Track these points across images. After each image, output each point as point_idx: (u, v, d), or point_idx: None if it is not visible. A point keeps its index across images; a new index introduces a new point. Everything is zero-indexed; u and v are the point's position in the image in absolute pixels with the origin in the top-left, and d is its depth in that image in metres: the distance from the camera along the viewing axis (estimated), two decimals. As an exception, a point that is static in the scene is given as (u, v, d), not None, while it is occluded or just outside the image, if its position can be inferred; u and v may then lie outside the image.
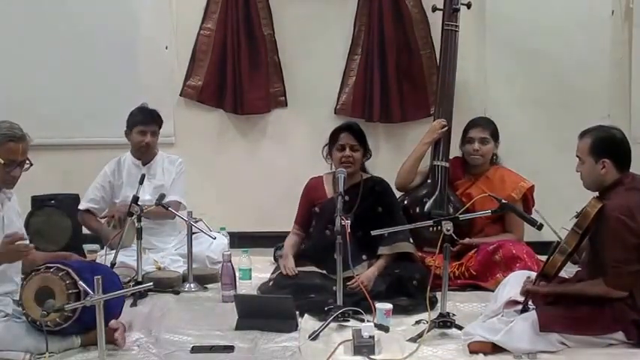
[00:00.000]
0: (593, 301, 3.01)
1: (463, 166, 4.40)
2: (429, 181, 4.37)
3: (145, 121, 4.31)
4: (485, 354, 3.00)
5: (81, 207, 4.41)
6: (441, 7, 4.56)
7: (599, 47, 4.83)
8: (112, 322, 3.11)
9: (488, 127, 4.30)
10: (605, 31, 4.83)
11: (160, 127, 4.39)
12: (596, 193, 3.12)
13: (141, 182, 4.05)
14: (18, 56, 5.05)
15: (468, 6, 4.52)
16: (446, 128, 4.38)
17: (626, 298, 2.99)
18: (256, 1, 4.94)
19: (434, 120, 4.49)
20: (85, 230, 4.76)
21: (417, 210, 4.27)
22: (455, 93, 4.54)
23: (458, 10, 4.46)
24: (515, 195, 4.14)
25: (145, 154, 4.38)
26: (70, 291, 2.93)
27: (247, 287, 3.97)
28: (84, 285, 2.82)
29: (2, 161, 3.04)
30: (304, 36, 5.04)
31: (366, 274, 3.70)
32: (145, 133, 4.30)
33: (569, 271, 3.42)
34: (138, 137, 4.31)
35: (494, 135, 4.30)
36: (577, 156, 3.15)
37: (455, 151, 4.44)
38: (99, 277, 2.71)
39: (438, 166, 4.36)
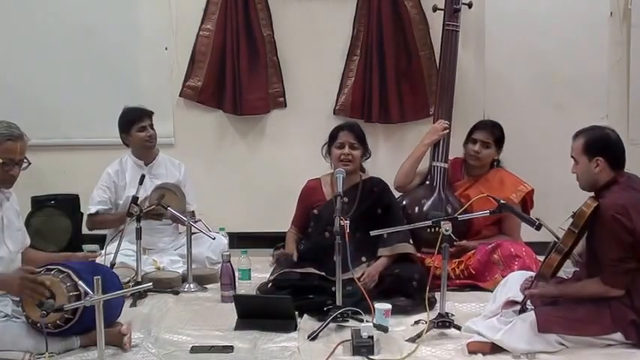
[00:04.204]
0: (592, 302, 3.02)
1: (462, 167, 4.41)
2: (427, 182, 4.38)
3: (140, 117, 4.30)
4: (484, 354, 3.01)
5: (91, 211, 4.30)
6: (442, 7, 4.57)
7: (598, 48, 4.83)
8: (124, 328, 3.13)
9: (494, 132, 4.27)
10: (603, 32, 4.83)
11: (152, 119, 4.37)
12: (593, 193, 3.13)
13: (140, 182, 4.05)
14: (18, 56, 5.07)
15: (469, 6, 4.53)
16: (447, 130, 4.39)
17: (624, 299, 2.99)
18: (255, 2, 4.95)
19: (433, 121, 4.50)
20: (84, 230, 4.77)
21: (416, 210, 4.27)
22: (454, 94, 4.55)
23: (459, 10, 4.47)
24: (514, 198, 4.13)
25: (150, 150, 4.38)
26: (71, 293, 2.93)
27: (247, 287, 3.97)
28: (84, 286, 2.83)
29: (1, 160, 3.05)
30: (303, 37, 5.04)
31: (374, 266, 3.73)
32: (145, 128, 4.30)
33: (567, 271, 3.43)
34: (140, 134, 4.30)
35: (498, 142, 4.28)
36: (572, 156, 3.17)
37: (454, 151, 4.44)
38: (98, 277, 2.72)
39: (437, 166, 4.37)
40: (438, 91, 4.54)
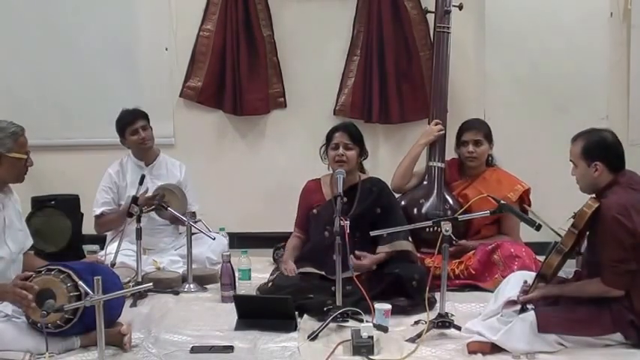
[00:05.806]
0: (592, 303, 3.02)
1: (459, 167, 4.40)
2: (425, 182, 4.38)
3: (131, 120, 4.31)
4: (484, 354, 3.01)
5: (96, 213, 4.31)
6: (433, 9, 4.57)
7: (598, 49, 4.84)
8: (124, 328, 3.13)
9: (481, 129, 4.28)
10: (603, 32, 4.83)
11: (147, 120, 4.36)
12: (594, 194, 3.14)
13: (140, 183, 4.06)
14: (19, 57, 5.08)
15: (460, 7, 4.52)
16: (443, 131, 4.39)
17: (623, 300, 2.99)
18: (255, 3, 4.95)
19: (429, 122, 4.50)
20: (84, 230, 4.77)
21: (415, 211, 4.27)
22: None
23: (449, 12, 4.47)
24: (511, 196, 4.12)
25: (148, 150, 4.38)
26: (72, 293, 2.93)
27: (247, 288, 3.97)
28: (84, 286, 2.83)
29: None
30: (303, 37, 5.05)
31: (371, 257, 3.75)
32: (137, 130, 4.30)
33: (567, 271, 3.43)
34: (133, 137, 4.31)
35: (488, 136, 4.29)
36: (571, 160, 3.17)
37: (450, 151, 4.44)
38: (98, 277, 2.72)
39: (434, 167, 4.37)
40: (432, 93, 4.54)
